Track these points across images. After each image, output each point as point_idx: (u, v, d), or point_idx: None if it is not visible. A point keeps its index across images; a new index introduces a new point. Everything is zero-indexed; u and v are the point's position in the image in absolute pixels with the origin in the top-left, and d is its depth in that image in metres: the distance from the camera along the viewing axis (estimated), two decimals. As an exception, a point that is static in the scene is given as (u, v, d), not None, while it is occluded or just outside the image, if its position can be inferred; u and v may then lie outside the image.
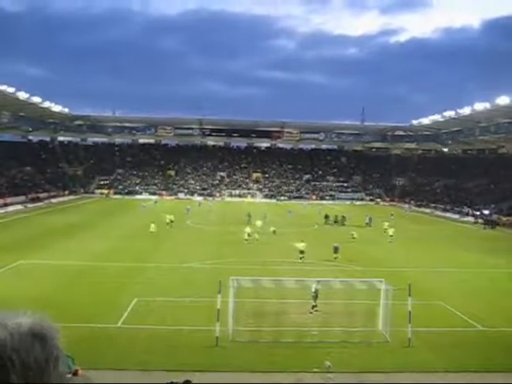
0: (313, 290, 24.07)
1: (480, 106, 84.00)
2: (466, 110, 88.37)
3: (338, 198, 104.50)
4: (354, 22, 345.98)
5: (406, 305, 20.82)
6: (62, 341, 1.12)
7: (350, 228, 55.77)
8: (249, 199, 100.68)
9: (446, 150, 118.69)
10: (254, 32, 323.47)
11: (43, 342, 1.04)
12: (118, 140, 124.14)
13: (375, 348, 20.26)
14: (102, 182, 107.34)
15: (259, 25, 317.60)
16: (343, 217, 62.93)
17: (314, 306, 24.18)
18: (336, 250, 38.17)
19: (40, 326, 1.06)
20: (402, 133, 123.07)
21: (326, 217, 63.29)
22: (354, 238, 47.44)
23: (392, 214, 69.37)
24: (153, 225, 49.10)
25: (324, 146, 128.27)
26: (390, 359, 19.23)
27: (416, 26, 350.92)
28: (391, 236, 48.78)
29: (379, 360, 19.11)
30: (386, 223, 54.82)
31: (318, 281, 24.78)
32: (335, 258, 37.63)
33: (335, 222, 62.39)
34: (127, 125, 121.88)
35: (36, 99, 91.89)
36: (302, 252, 38.07)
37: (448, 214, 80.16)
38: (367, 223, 61.07)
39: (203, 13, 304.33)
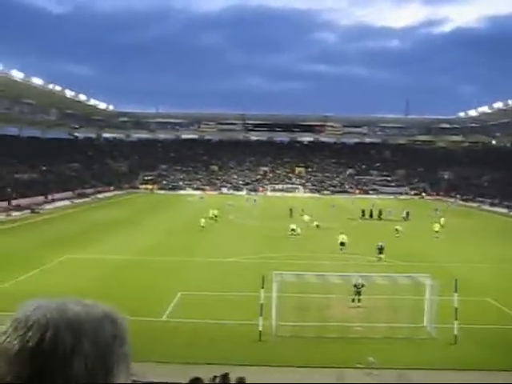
0: (355, 284, 23.92)
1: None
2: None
3: (382, 193, 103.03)
4: (397, 14, 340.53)
5: (452, 301, 20.42)
6: None
7: (387, 222, 55.31)
8: (291, 194, 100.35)
9: (493, 142, 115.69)
10: (296, 26, 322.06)
11: (113, 322, 1.13)
12: (161, 136, 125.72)
13: (420, 345, 19.95)
14: (146, 178, 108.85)
15: (301, 18, 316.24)
16: (380, 211, 62.15)
17: (353, 300, 24.06)
18: (380, 250, 35.97)
19: (111, 310, 1.17)
20: (447, 125, 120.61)
21: (363, 212, 62.73)
22: (398, 232, 46.78)
23: (437, 209, 68.00)
24: (203, 219, 49.71)
25: (367, 140, 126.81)
26: (435, 356, 18.89)
27: (460, 16, 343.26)
28: (436, 231, 47.86)
29: (424, 357, 18.80)
30: (442, 219, 54.11)
31: (362, 275, 24.56)
32: (379, 258, 35.72)
33: (370, 216, 61.70)
34: (170, 121, 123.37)
35: (82, 97, 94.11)
36: (342, 244, 38.57)
37: (496, 209, 78.08)
38: (404, 217, 60.09)
39: (244, 8, 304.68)
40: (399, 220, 58.43)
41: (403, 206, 73.56)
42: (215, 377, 11.65)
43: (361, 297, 24.19)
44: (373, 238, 46.07)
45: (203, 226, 48.62)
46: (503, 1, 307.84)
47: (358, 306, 23.95)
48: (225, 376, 11.81)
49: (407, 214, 61.14)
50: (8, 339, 1.04)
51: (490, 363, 18.17)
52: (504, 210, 75.51)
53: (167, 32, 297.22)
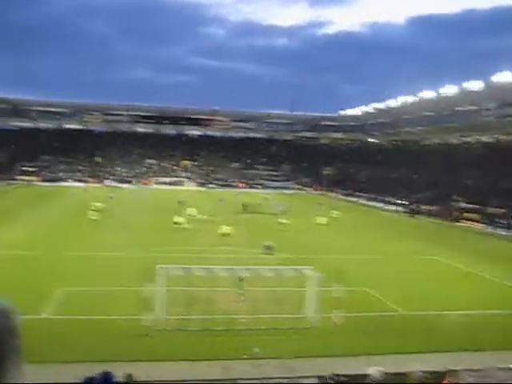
0: (238, 277, 24.24)
1: (406, 99, 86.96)
2: (392, 102, 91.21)
3: (268, 187, 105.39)
4: (284, 13, 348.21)
5: (333, 291, 21.45)
6: None
7: (265, 216, 57.27)
8: (178, 187, 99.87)
9: (372, 140, 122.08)
10: (185, 19, 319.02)
11: (4, 315, 1.16)
12: (42, 125, 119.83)
13: (303, 334, 20.73)
14: (25, 169, 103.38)
15: (190, 12, 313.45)
16: (258, 204, 63.55)
17: (240, 294, 24.46)
18: (269, 249, 35.81)
19: (1, 303, 1.19)
20: (329, 123, 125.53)
21: (245, 205, 63.88)
22: (283, 225, 48.11)
23: (321, 204, 70.79)
24: (92, 212, 48.30)
25: (254, 135, 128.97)
26: (318, 344, 19.73)
27: (344, 20, 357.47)
28: (319, 224, 49.84)
29: (308, 345, 19.58)
30: (335, 212, 56.28)
31: (247, 268, 25.00)
32: (268, 254, 35.15)
33: (244, 208, 63.00)
34: (52, 110, 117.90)
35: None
36: (225, 235, 40.56)
37: (373, 203, 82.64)
38: (281, 210, 61.73)
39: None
40: (273, 213, 60.22)
41: (287, 200, 75.89)
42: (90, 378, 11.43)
43: (242, 290, 24.50)
44: (258, 231, 47.20)
45: (95, 220, 47.10)
46: (384, 9, 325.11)
47: (241, 300, 24.29)
48: (128, 376, 11.63)
49: (282, 207, 62.84)
50: None
51: (368, 348, 19.29)
52: (380, 205, 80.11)
53: (49, 15, 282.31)
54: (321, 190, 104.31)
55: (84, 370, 13.31)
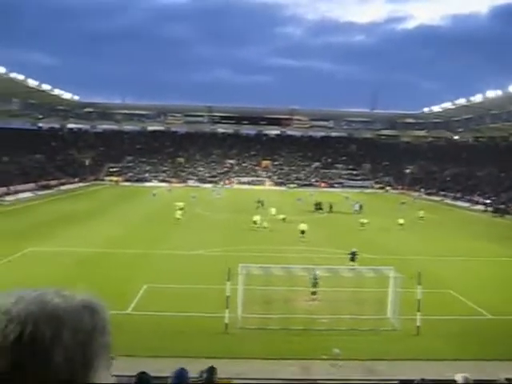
0: (313, 276, 24.02)
1: (491, 94, 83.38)
2: (477, 98, 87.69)
3: (348, 186, 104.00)
4: (361, 10, 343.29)
5: (415, 293, 20.82)
6: None
7: (345, 216, 57.41)
8: (258, 187, 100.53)
9: (456, 137, 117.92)
10: (262, 19, 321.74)
11: (92, 312, 1.15)
12: (127, 127, 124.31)
13: (384, 336, 20.28)
14: (111, 170, 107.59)
15: (267, 12, 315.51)
16: (330, 204, 62.39)
17: (313, 293, 24.20)
18: (353, 256, 31.08)
19: (90, 299, 1.18)
20: (412, 120, 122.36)
21: (317, 204, 63.14)
22: (363, 225, 47.37)
23: (403, 203, 69.11)
24: (179, 211, 49.59)
25: (334, 134, 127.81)
26: (399, 347, 19.24)
27: (424, 14, 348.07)
28: (401, 224, 48.63)
29: (388, 348, 19.14)
30: (421, 212, 55.94)
31: (327, 268, 24.77)
32: (352, 265, 29.06)
33: (319, 208, 61.97)
34: (136, 112, 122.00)
35: (46, 86, 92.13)
36: (302, 232, 40.94)
37: (458, 203, 79.79)
38: (356, 210, 60.67)
39: (211, 0, 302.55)
40: (351, 213, 59.29)
41: (367, 199, 74.69)
42: (202, 372, 11.68)
43: (317, 289, 24.20)
44: (339, 231, 46.70)
45: (179, 218, 48.30)
46: (463, 0, 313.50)
47: (314, 300, 24.05)
48: (211, 369, 11.80)
49: (360, 206, 61.58)
50: None
51: (451, 353, 18.60)
52: (466, 204, 77.19)
53: (133, 22, 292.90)
54: (402, 188, 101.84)
55: (163, 365, 13.64)
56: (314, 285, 24.12)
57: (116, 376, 11.80)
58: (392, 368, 17.40)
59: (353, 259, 30.65)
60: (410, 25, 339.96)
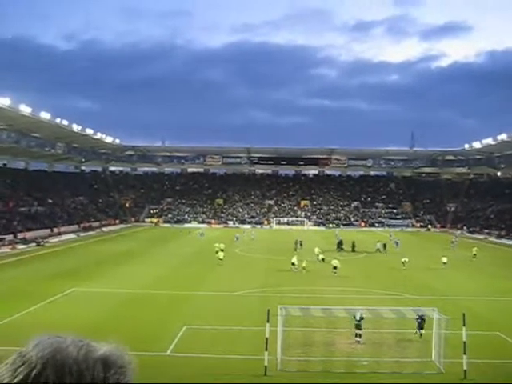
0: (357, 318, 23.46)
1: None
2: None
3: (388, 225, 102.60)
4: (395, 49, 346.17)
5: (461, 335, 20.14)
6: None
7: (361, 254, 57.44)
8: (297, 227, 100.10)
9: (499, 173, 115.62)
10: (297, 62, 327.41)
11: (107, 367, 1.15)
12: (167, 169, 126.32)
13: (429, 379, 19.60)
14: (151, 211, 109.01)
15: (301, 55, 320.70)
16: (353, 243, 61.32)
17: (357, 335, 23.60)
18: (421, 322, 23.81)
19: (110, 354, 1.19)
20: (452, 157, 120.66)
21: (339, 243, 62.15)
22: (404, 265, 46.46)
23: (453, 242, 67.65)
24: (221, 253, 49.46)
25: (372, 173, 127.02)
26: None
27: (458, 51, 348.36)
28: (444, 263, 47.52)
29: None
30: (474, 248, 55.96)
31: (368, 309, 24.29)
32: (419, 334, 23.90)
33: (341, 248, 60.52)
34: (176, 154, 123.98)
35: (89, 131, 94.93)
36: (335, 268, 42.46)
37: (503, 240, 77.64)
38: (378, 249, 59.63)
39: (246, 45, 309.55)
40: (373, 252, 58.27)
41: (409, 238, 73.56)
42: None
43: (361, 331, 23.51)
44: (379, 272, 45.90)
45: (221, 259, 48.26)
46: (499, 36, 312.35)
47: (359, 342, 23.39)
48: None
49: (384, 246, 60.45)
50: (3, 371, 1.13)
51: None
52: (511, 242, 75.01)
53: (171, 67, 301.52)
54: (444, 227, 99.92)
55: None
56: (358, 326, 23.52)
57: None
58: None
59: (421, 326, 23.84)
60: (444, 62, 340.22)
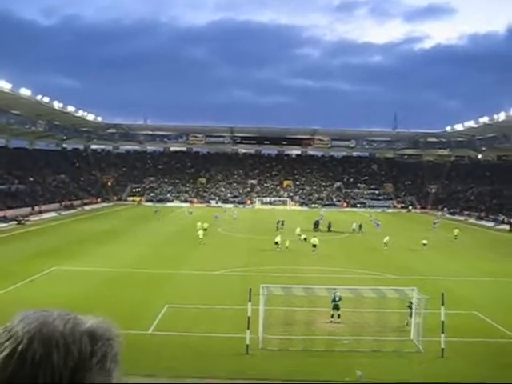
0: (336, 298, 23.59)
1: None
2: (500, 116, 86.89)
3: (370, 206, 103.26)
4: (378, 30, 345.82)
5: (439, 314, 20.47)
6: None
7: (333, 234, 57.82)
8: (280, 207, 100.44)
9: (480, 156, 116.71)
10: (280, 41, 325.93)
11: (93, 339, 1.15)
12: (149, 148, 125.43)
13: (407, 358, 19.94)
14: (134, 190, 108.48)
15: (285, 34, 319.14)
16: (329, 223, 61.74)
17: (333, 316, 23.82)
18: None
19: (96, 327, 1.19)
20: (434, 139, 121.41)
21: (316, 223, 62.28)
22: (386, 244, 46.90)
23: (435, 223, 68.18)
24: (200, 231, 49.59)
25: (355, 154, 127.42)
26: (422, 370, 18.89)
27: (441, 33, 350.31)
28: (424, 244, 48.01)
29: (412, 371, 18.80)
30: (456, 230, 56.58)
31: (349, 289, 24.52)
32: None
33: (317, 228, 60.55)
34: (159, 133, 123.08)
35: (70, 108, 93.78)
36: (314, 246, 43.53)
37: (482, 222, 78.66)
38: (354, 229, 60.09)
39: (230, 23, 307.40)
40: (349, 232, 58.91)
41: (390, 219, 74.26)
42: None
43: (339, 311, 23.73)
44: (360, 252, 46.31)
45: (201, 239, 48.38)
46: (482, 19, 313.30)
47: (338, 322, 23.66)
48: None
49: (360, 226, 60.79)
50: None
51: (476, 377, 18.19)
52: (490, 224, 76.08)
53: (154, 45, 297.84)
54: (425, 208, 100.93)
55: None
56: (336, 307, 23.72)
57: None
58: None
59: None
60: (427, 44, 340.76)
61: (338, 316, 23.71)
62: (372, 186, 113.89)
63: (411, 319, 22.29)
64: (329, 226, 61.41)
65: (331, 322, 23.61)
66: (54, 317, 1.16)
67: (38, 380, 1.07)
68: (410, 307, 22.52)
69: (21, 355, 1.08)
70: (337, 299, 23.57)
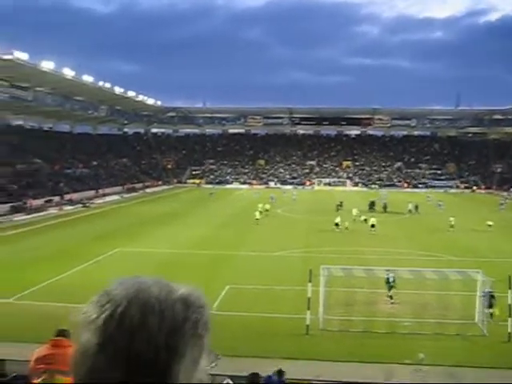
0: (390, 280, 23.45)
1: None
2: None
3: (431, 186, 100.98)
4: (439, 5, 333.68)
5: (506, 298, 19.86)
6: None
7: (391, 215, 57.13)
8: (339, 187, 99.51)
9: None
10: (338, 20, 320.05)
11: (186, 306, 1.20)
12: (208, 131, 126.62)
13: (471, 342, 19.50)
14: (193, 172, 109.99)
15: (343, 12, 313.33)
16: (385, 204, 61.13)
17: (391, 297, 23.68)
18: (490, 300, 21.25)
19: (189, 294, 1.24)
20: (500, 116, 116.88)
21: (371, 203, 61.65)
22: (451, 226, 45.67)
23: (501, 204, 65.84)
24: (257, 213, 50.11)
25: (416, 133, 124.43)
26: (487, 354, 18.44)
27: (507, 4, 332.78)
28: (490, 225, 46.50)
29: (475, 354, 18.38)
30: None
31: (411, 270, 24.12)
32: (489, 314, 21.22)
33: (370, 208, 60.04)
34: (217, 115, 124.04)
35: (131, 93, 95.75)
36: (373, 226, 43.95)
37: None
38: (410, 210, 58.87)
39: (286, 2, 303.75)
40: (404, 213, 57.70)
41: (452, 200, 72.37)
42: (271, 374, 11.82)
43: (391, 292, 23.72)
44: (420, 233, 45.40)
45: (258, 219, 48.82)
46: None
47: (392, 303, 23.53)
48: (280, 372, 11.88)
49: (416, 207, 59.59)
50: (89, 310, 1.17)
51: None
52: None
53: (211, 28, 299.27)
54: (489, 188, 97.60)
55: (243, 365, 13.72)
56: (390, 288, 23.66)
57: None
58: (479, 376, 16.69)
59: (490, 304, 21.27)
60: (493, 17, 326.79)
61: (391, 297, 23.59)
62: (434, 166, 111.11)
63: (489, 310, 21.06)
64: (384, 207, 60.65)
65: (392, 303, 23.43)
66: (150, 284, 1.21)
67: (135, 342, 1.11)
68: (492, 297, 21.10)
69: (120, 317, 1.13)
70: (391, 280, 23.40)
